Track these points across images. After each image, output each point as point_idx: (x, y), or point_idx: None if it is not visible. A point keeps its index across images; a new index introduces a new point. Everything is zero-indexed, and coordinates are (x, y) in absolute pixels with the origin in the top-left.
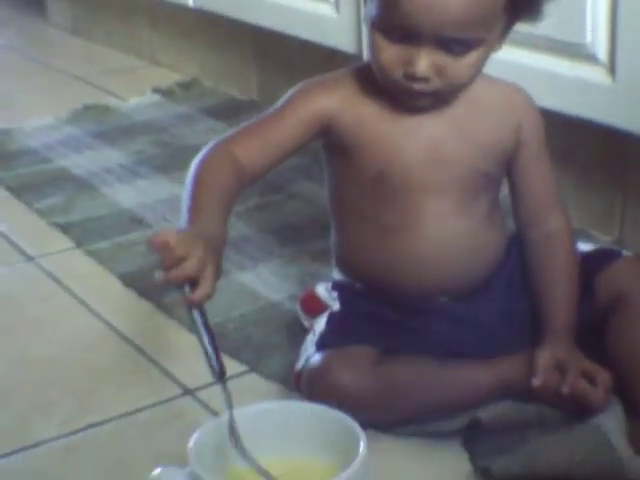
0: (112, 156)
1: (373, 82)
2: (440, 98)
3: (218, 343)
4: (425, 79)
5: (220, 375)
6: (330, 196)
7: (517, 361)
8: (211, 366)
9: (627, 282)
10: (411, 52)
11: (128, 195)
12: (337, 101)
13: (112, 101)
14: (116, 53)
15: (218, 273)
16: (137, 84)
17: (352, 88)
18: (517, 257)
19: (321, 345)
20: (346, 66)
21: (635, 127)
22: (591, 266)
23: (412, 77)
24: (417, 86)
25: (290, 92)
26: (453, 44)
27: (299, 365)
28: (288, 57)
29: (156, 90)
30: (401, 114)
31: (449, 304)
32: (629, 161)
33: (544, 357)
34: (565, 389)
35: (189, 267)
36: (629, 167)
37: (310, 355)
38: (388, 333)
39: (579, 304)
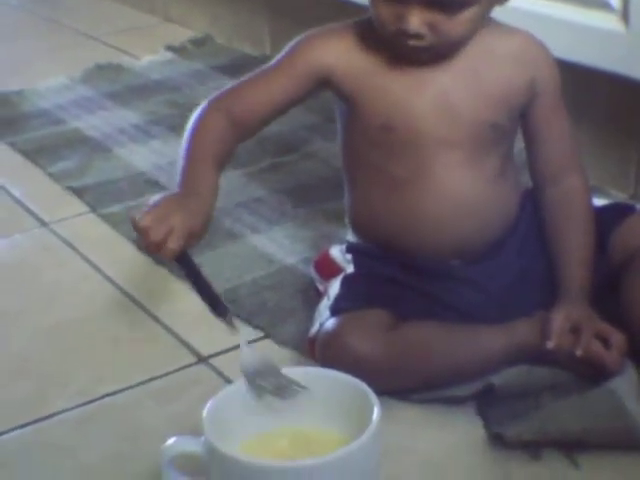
0: (126, 116)
1: (376, 35)
2: (439, 52)
3: (229, 304)
4: (418, 36)
5: (221, 313)
6: (342, 150)
7: (532, 324)
8: (211, 308)
9: None
10: (403, 10)
11: (142, 156)
12: (337, 53)
13: (125, 60)
14: (128, 10)
15: (205, 226)
16: (150, 42)
17: (354, 40)
18: (531, 215)
19: (335, 310)
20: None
21: None
22: (605, 222)
23: (405, 34)
24: (411, 42)
25: (291, 44)
26: (444, 3)
27: (313, 330)
28: (300, 10)
29: (169, 48)
30: (405, 67)
31: (463, 267)
32: None
33: (558, 319)
34: (579, 351)
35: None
36: None
37: (324, 320)
38: (402, 296)
39: (594, 263)
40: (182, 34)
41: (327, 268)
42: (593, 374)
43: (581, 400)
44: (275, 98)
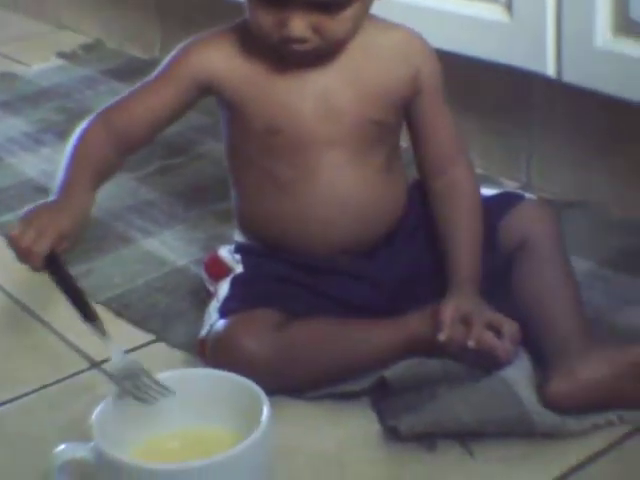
0: (16, 125)
1: (257, 39)
2: (322, 54)
3: (121, 308)
4: (302, 40)
5: (87, 318)
6: (227, 152)
7: (423, 317)
8: (80, 314)
9: (529, 226)
10: (284, 15)
11: (33, 164)
12: (217, 60)
13: (17, 68)
14: (20, 17)
15: (75, 227)
16: (42, 49)
17: (234, 45)
18: (419, 206)
19: (224, 311)
20: None
21: (535, 65)
22: (493, 211)
23: (288, 40)
24: (296, 47)
25: (173, 52)
26: (325, 4)
27: (203, 332)
28: (190, 14)
29: (60, 54)
30: (287, 69)
31: (353, 261)
32: (533, 103)
33: (448, 310)
34: (471, 342)
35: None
36: (534, 109)
37: (214, 322)
38: (292, 295)
39: (483, 253)
40: (74, 40)
41: (216, 269)
42: (486, 364)
43: (474, 390)
44: (157, 109)
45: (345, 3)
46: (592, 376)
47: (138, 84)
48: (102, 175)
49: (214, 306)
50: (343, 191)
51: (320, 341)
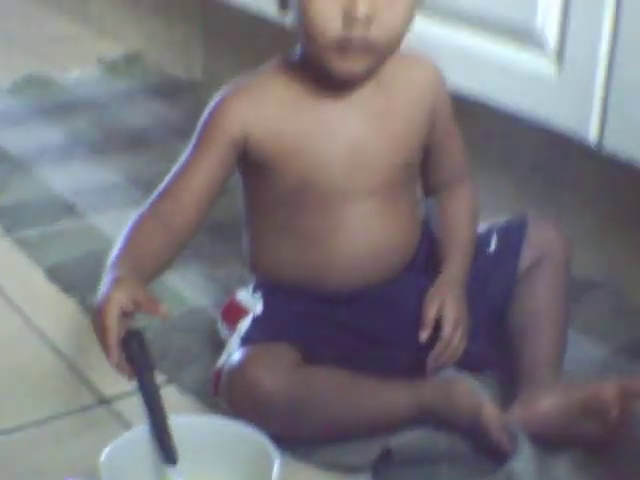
0: (49, 134)
1: (291, 82)
2: (370, 61)
3: None
4: (367, 19)
5: (169, 460)
6: (245, 206)
7: (437, 388)
8: (160, 449)
9: (546, 244)
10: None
11: (61, 179)
12: (253, 115)
13: (55, 72)
14: (62, 18)
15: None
16: (82, 54)
17: (269, 96)
18: (429, 241)
19: (245, 340)
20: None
21: (577, 127)
22: (512, 232)
23: (353, 20)
24: (359, 32)
25: (204, 116)
26: None
27: (220, 362)
28: (236, 37)
29: (100, 62)
30: (318, 118)
31: (369, 289)
32: (566, 165)
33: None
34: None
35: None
36: (566, 172)
37: (232, 352)
38: (311, 329)
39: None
40: (115, 47)
41: (234, 314)
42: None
43: (476, 474)
44: (206, 188)
45: None
46: (549, 408)
47: (179, 163)
48: (154, 275)
49: (235, 339)
50: (370, 238)
51: (334, 388)
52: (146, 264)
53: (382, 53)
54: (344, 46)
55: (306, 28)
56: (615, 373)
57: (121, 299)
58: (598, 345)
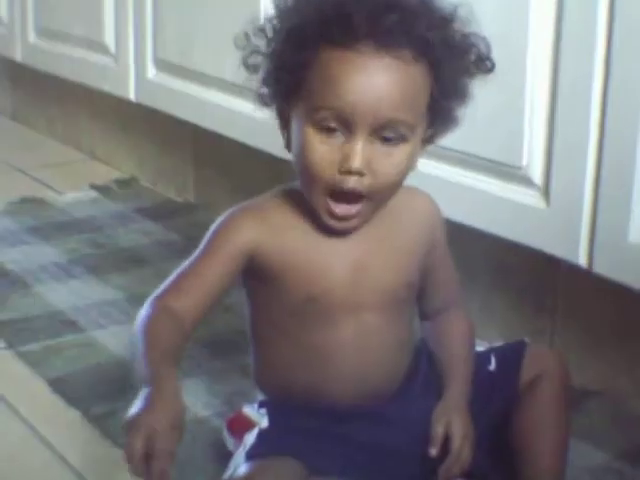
0: (47, 253)
1: (295, 206)
2: (364, 206)
3: None
4: (360, 173)
5: None
6: (250, 319)
7: None
8: None
9: (542, 366)
10: (345, 146)
11: (61, 295)
12: (261, 232)
13: (49, 195)
14: (56, 143)
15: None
16: (75, 178)
17: (274, 215)
18: (429, 358)
19: (250, 455)
20: (285, 172)
21: (567, 254)
22: (509, 356)
23: (348, 171)
24: (351, 183)
25: (213, 227)
26: (387, 130)
27: (226, 476)
28: (225, 162)
29: (93, 186)
30: (325, 235)
31: (372, 404)
32: (559, 287)
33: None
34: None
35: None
36: (559, 293)
37: (238, 465)
38: (316, 444)
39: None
40: (107, 172)
41: (240, 426)
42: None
43: None
44: (214, 288)
45: (405, 134)
46: None
47: (188, 262)
48: (177, 362)
49: (241, 453)
50: (373, 352)
51: None
52: (171, 354)
53: (377, 199)
54: (337, 191)
55: (304, 167)
56: (616, 477)
57: (149, 428)
58: (598, 451)
